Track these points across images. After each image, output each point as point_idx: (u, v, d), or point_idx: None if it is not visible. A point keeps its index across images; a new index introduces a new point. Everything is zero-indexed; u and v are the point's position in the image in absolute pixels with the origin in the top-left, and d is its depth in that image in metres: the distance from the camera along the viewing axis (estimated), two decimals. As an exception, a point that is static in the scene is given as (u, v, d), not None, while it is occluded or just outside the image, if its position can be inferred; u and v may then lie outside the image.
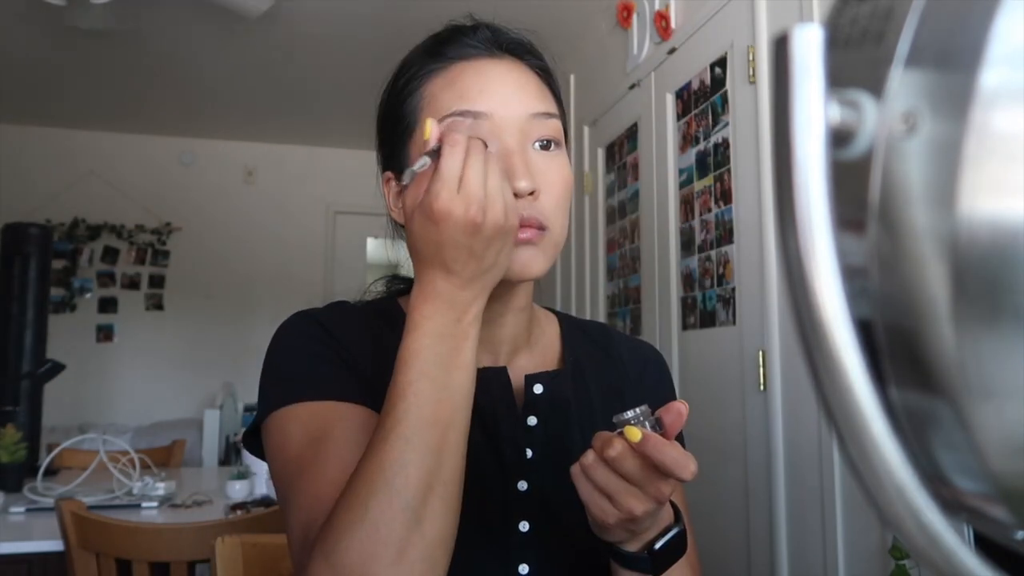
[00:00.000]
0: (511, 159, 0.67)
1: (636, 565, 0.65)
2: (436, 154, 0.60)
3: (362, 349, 0.73)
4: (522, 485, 0.72)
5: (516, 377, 0.76)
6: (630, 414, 0.60)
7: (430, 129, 0.62)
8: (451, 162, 0.59)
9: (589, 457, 0.60)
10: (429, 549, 0.55)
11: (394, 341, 0.64)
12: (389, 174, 0.76)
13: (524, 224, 0.66)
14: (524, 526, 0.71)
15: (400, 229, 0.78)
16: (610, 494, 0.59)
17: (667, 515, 0.67)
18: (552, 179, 0.70)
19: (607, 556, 0.68)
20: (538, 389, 0.75)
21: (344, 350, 0.72)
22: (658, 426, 0.60)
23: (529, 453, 0.73)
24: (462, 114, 0.68)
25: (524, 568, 0.70)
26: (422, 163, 0.61)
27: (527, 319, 0.79)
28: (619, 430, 0.59)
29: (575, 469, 0.61)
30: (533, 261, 0.68)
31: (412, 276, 0.82)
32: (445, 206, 0.58)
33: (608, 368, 0.84)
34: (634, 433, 0.57)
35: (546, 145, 0.71)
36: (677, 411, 0.61)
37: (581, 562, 0.73)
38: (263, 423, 0.71)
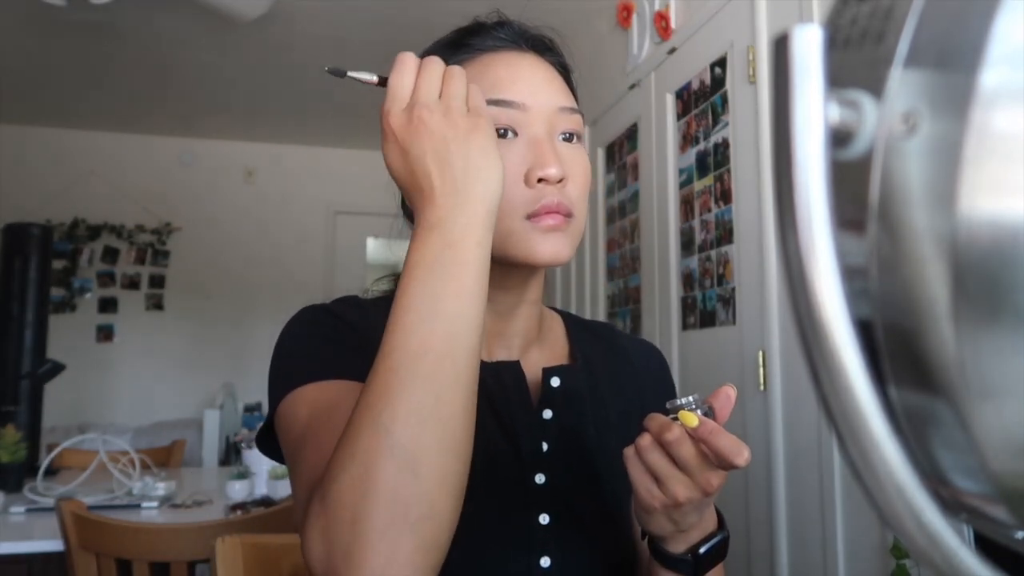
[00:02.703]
0: (541, 147, 0.68)
1: (678, 566, 0.67)
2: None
3: (374, 335, 0.71)
4: (539, 478, 0.73)
5: (529, 371, 0.76)
6: (683, 401, 0.61)
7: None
8: (399, 77, 0.58)
9: (645, 439, 0.61)
10: (426, 491, 0.50)
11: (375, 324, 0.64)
12: None
13: (553, 210, 0.67)
14: (544, 519, 0.72)
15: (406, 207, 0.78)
16: (660, 478, 0.60)
17: (711, 521, 0.68)
18: (577, 169, 0.71)
19: (652, 554, 0.69)
20: (555, 382, 0.76)
21: (353, 333, 0.71)
22: (710, 412, 0.61)
23: (545, 446, 0.74)
24: (496, 103, 0.69)
25: (546, 561, 0.71)
26: (366, 75, 0.60)
27: (538, 313, 0.80)
28: (673, 415, 0.60)
29: (629, 451, 0.62)
30: (562, 247, 0.68)
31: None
32: (396, 120, 0.57)
33: (614, 362, 0.85)
34: (690, 419, 0.59)
35: (569, 138, 0.72)
36: (726, 395, 0.62)
37: (601, 554, 0.74)
38: (274, 416, 0.69)
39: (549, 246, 0.68)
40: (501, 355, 0.77)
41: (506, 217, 0.67)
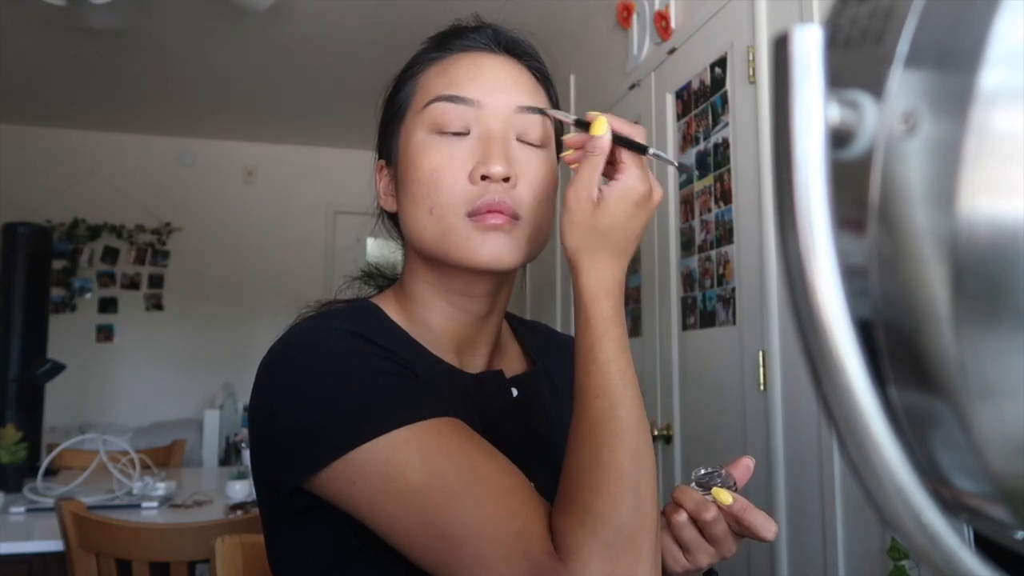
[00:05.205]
0: (490, 143, 0.67)
1: None
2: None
3: (403, 355, 0.68)
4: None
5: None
6: (705, 472, 0.66)
7: (603, 123, 0.62)
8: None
9: (682, 516, 0.65)
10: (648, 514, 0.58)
11: (393, 344, 0.65)
12: (382, 162, 0.77)
13: (495, 209, 0.65)
14: None
15: (390, 217, 0.78)
16: (690, 549, 0.65)
17: None
18: (533, 172, 0.69)
19: None
20: (514, 392, 0.76)
21: (399, 358, 0.65)
22: (730, 479, 0.66)
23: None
24: (450, 99, 0.68)
25: None
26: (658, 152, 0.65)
27: (501, 320, 0.79)
28: (704, 492, 0.65)
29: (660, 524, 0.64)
30: (503, 248, 0.66)
31: (367, 274, 0.84)
32: (657, 191, 0.62)
33: (560, 358, 0.85)
34: (725, 497, 0.63)
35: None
36: (746, 466, 0.68)
37: None
38: (337, 459, 0.58)
39: (489, 248, 0.65)
40: (472, 364, 0.75)
41: (447, 214, 0.66)
